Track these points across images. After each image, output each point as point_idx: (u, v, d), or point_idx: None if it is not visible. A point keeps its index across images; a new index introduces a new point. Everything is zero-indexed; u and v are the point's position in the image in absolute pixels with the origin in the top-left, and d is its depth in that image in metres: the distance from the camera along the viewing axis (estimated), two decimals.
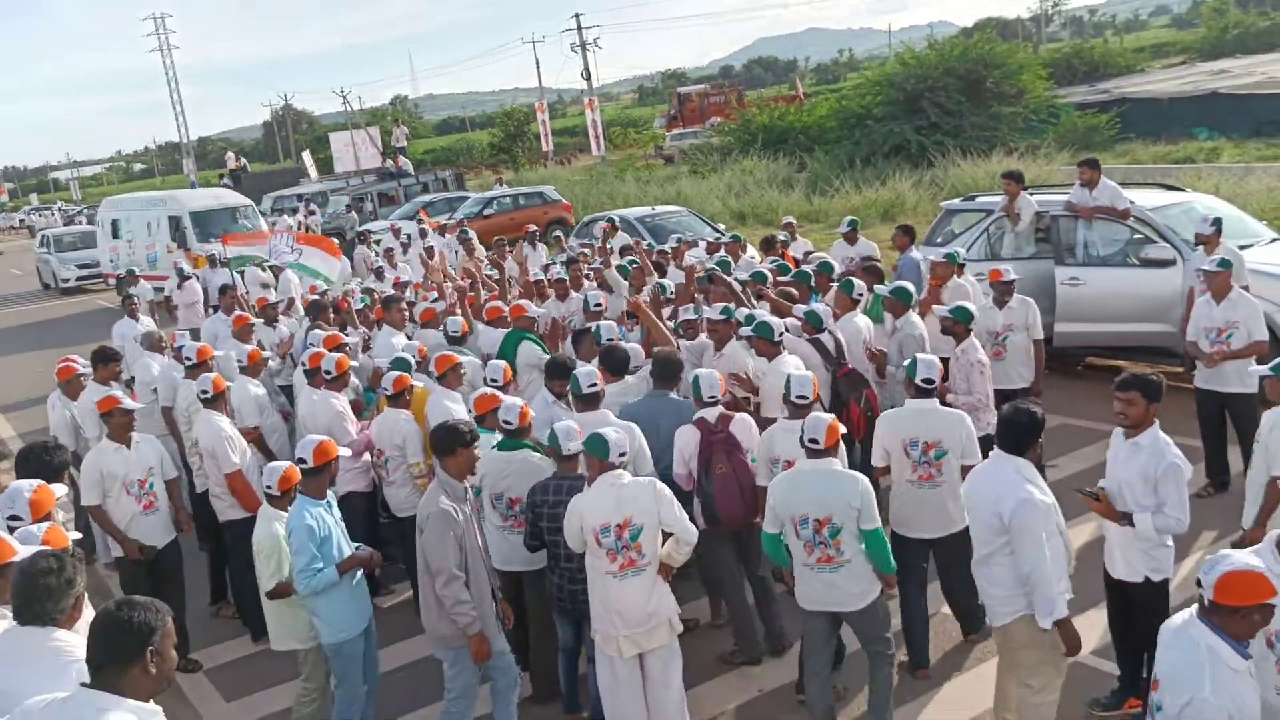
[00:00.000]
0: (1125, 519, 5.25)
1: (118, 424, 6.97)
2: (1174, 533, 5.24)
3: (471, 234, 15.89)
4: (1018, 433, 4.99)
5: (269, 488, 5.82)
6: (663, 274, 10.69)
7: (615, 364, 7.23)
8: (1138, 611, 5.45)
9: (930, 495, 6.06)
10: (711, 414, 6.33)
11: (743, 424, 6.39)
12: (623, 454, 5.40)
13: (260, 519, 5.85)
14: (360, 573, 5.86)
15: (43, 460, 5.68)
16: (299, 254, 14.13)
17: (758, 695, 6.36)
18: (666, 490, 5.42)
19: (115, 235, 25.88)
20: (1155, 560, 5.35)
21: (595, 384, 6.44)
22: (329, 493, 5.84)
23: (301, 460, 5.74)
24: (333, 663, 5.78)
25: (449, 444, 5.46)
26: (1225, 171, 20.69)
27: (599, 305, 8.94)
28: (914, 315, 8.22)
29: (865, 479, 5.41)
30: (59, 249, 31.63)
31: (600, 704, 5.80)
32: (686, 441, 6.33)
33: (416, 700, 6.64)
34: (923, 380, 6.05)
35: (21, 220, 63.47)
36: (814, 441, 5.41)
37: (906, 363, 6.28)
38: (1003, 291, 8.63)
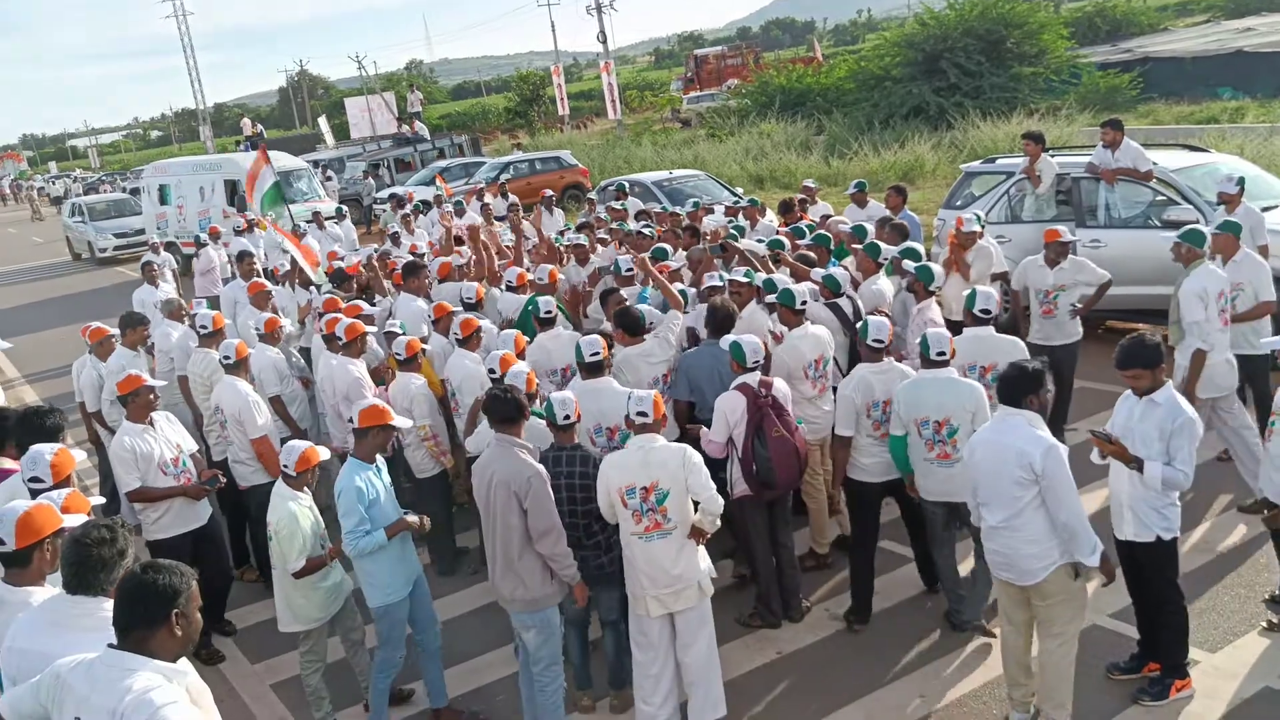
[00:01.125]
0: (1136, 463, 5.27)
1: (142, 404, 6.69)
2: (1180, 489, 5.28)
3: (489, 200, 15.86)
4: (1013, 387, 5.08)
5: (286, 467, 5.77)
6: (695, 237, 10.55)
7: (630, 325, 7.19)
8: (1149, 572, 5.47)
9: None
10: (754, 379, 6.30)
11: (781, 388, 6.37)
12: (568, 416, 5.60)
13: (276, 498, 5.78)
14: (410, 536, 5.87)
15: (33, 423, 5.65)
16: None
17: (776, 657, 6.41)
18: (697, 458, 5.44)
19: (163, 201, 24.84)
20: (1167, 520, 5.35)
21: (597, 352, 6.42)
22: (378, 457, 5.84)
23: (351, 420, 5.92)
24: (378, 625, 5.81)
25: (516, 411, 5.45)
26: (1250, 132, 20.37)
27: (630, 270, 8.82)
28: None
29: (980, 388, 6.06)
30: (94, 217, 29.86)
31: (614, 671, 6.00)
32: (733, 407, 6.23)
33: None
34: (873, 341, 6.40)
35: (40, 189, 62.70)
36: (940, 354, 6.03)
37: (859, 324, 6.68)
38: (1059, 252, 8.55)
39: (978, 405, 5.92)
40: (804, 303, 6.97)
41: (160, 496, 6.70)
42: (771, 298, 7.41)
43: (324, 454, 5.89)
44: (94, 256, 29.29)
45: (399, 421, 5.89)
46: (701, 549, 5.55)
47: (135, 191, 34.02)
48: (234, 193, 22.14)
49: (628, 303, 7.83)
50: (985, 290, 6.81)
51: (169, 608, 3.23)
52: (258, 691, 6.79)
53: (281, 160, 23.89)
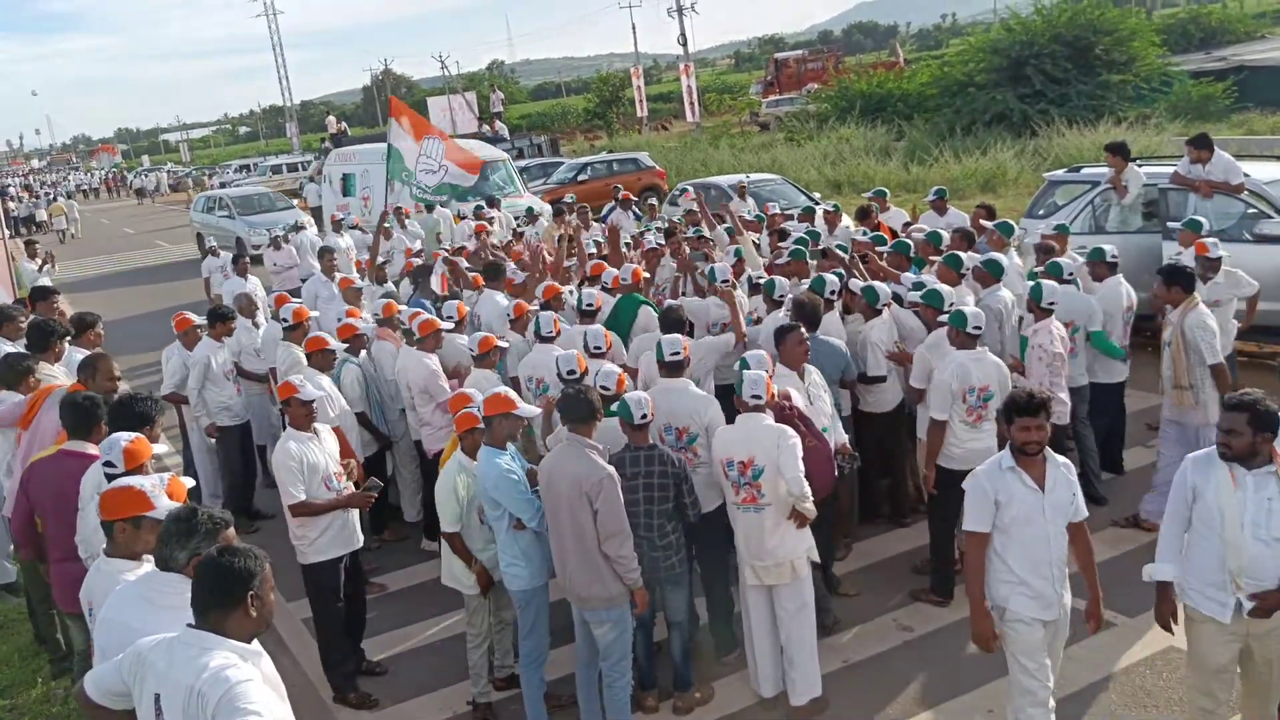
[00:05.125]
0: None
1: (302, 413, 6.31)
2: None
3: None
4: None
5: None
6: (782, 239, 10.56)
7: (669, 325, 7.34)
8: None
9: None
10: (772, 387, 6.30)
11: (799, 400, 6.31)
12: (644, 416, 5.62)
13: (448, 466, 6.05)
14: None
15: (123, 410, 5.80)
16: (445, 171, 13.44)
17: (842, 666, 6.40)
18: (793, 439, 5.59)
19: (346, 192, 22.52)
20: None
21: (678, 352, 6.42)
22: (510, 445, 5.90)
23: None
24: (523, 613, 5.86)
25: (590, 412, 5.49)
26: None
27: (727, 280, 8.59)
28: (1003, 289, 8.02)
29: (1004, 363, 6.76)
30: (244, 211, 26.32)
31: (679, 672, 6.13)
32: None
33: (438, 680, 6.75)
34: (972, 329, 6.61)
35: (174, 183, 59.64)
36: (977, 328, 6.59)
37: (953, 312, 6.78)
38: (1207, 267, 8.14)
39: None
40: (978, 326, 6.67)
41: (325, 509, 6.26)
42: (915, 296, 7.63)
43: None
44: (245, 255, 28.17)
45: (525, 410, 5.91)
46: (805, 532, 5.70)
47: (222, 185, 34.33)
48: None
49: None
50: (975, 310, 6.76)
51: (245, 589, 3.32)
52: None
53: (480, 152, 21.07)
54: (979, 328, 6.61)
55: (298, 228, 16.21)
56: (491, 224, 15.22)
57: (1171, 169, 11.02)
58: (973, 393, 6.54)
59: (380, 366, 8.58)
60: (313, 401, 6.35)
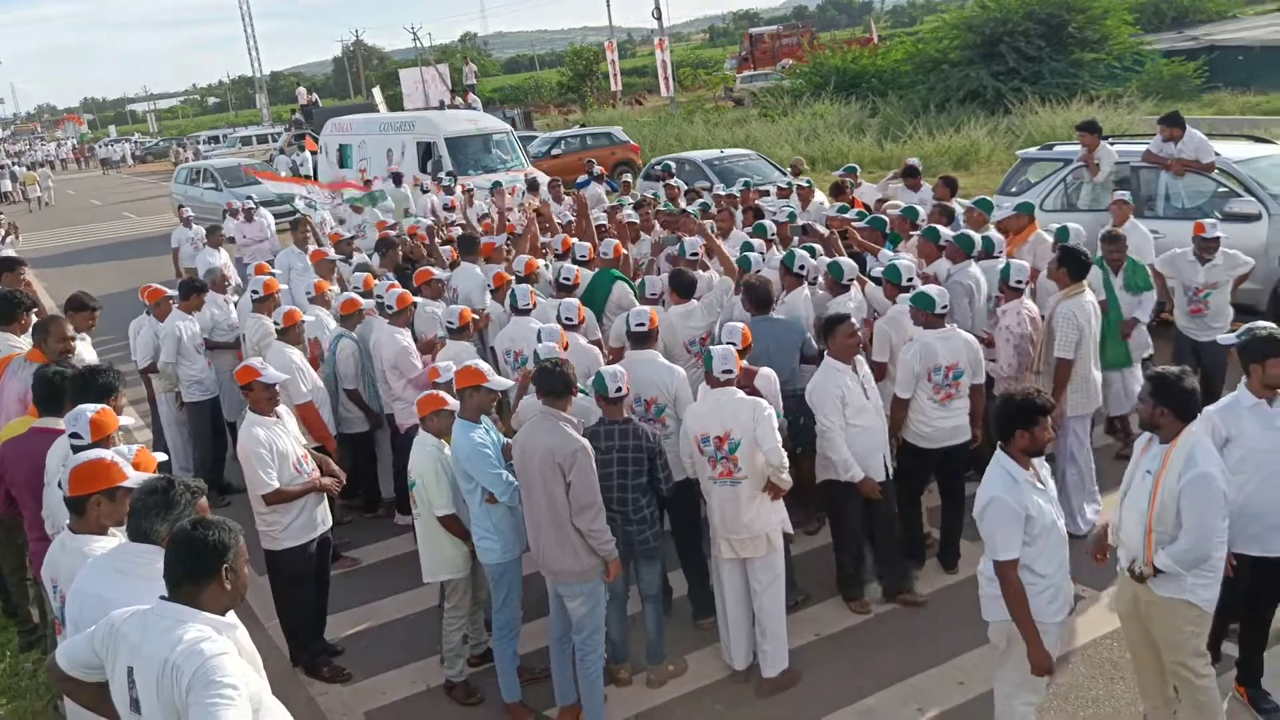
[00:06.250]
0: None
1: (260, 398, 6.14)
2: None
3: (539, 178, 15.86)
4: (1002, 420, 4.76)
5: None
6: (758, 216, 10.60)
7: (683, 287, 7.58)
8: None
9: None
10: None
11: (765, 378, 6.37)
12: (619, 389, 5.65)
13: (416, 444, 5.94)
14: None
15: (86, 382, 5.68)
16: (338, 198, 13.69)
17: (815, 639, 6.44)
18: (769, 410, 5.66)
19: (343, 164, 21.83)
20: None
21: (644, 323, 6.44)
22: (484, 417, 5.87)
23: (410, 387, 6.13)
24: (496, 586, 5.85)
25: (565, 386, 5.47)
26: None
27: (695, 254, 8.67)
28: (973, 266, 8.03)
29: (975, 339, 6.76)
30: (232, 183, 24.91)
31: (652, 645, 6.16)
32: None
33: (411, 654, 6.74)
34: (940, 309, 6.60)
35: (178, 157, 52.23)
36: (945, 307, 6.58)
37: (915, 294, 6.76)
38: (1205, 247, 8.07)
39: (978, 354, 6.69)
40: (944, 306, 6.66)
41: (300, 494, 6.13)
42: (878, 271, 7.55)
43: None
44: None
45: (496, 383, 5.84)
46: (779, 504, 5.78)
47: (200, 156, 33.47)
48: (428, 156, 20.22)
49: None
50: (940, 289, 6.75)
51: (219, 562, 3.30)
52: None
53: (482, 123, 21.88)
54: (945, 307, 6.62)
55: (310, 205, 15.51)
56: (471, 196, 15.11)
57: (1143, 147, 11.08)
58: (939, 371, 6.55)
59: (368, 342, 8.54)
60: (275, 385, 6.22)
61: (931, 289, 6.71)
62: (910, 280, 7.21)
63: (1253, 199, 10.09)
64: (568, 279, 8.23)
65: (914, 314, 6.73)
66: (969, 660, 5.95)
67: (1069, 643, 6.01)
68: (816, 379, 6.36)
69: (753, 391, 6.09)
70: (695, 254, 8.64)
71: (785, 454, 5.68)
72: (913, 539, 7.06)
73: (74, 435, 4.92)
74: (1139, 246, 8.58)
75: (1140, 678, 5.17)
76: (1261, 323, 5.34)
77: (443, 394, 5.95)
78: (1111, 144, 11.43)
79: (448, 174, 17.24)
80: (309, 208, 15.00)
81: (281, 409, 6.36)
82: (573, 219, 12.08)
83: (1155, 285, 8.35)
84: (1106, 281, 7.97)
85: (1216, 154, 10.49)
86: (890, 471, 6.53)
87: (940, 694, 5.77)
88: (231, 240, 15.20)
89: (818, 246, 8.57)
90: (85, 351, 7.58)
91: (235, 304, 9.97)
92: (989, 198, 9.97)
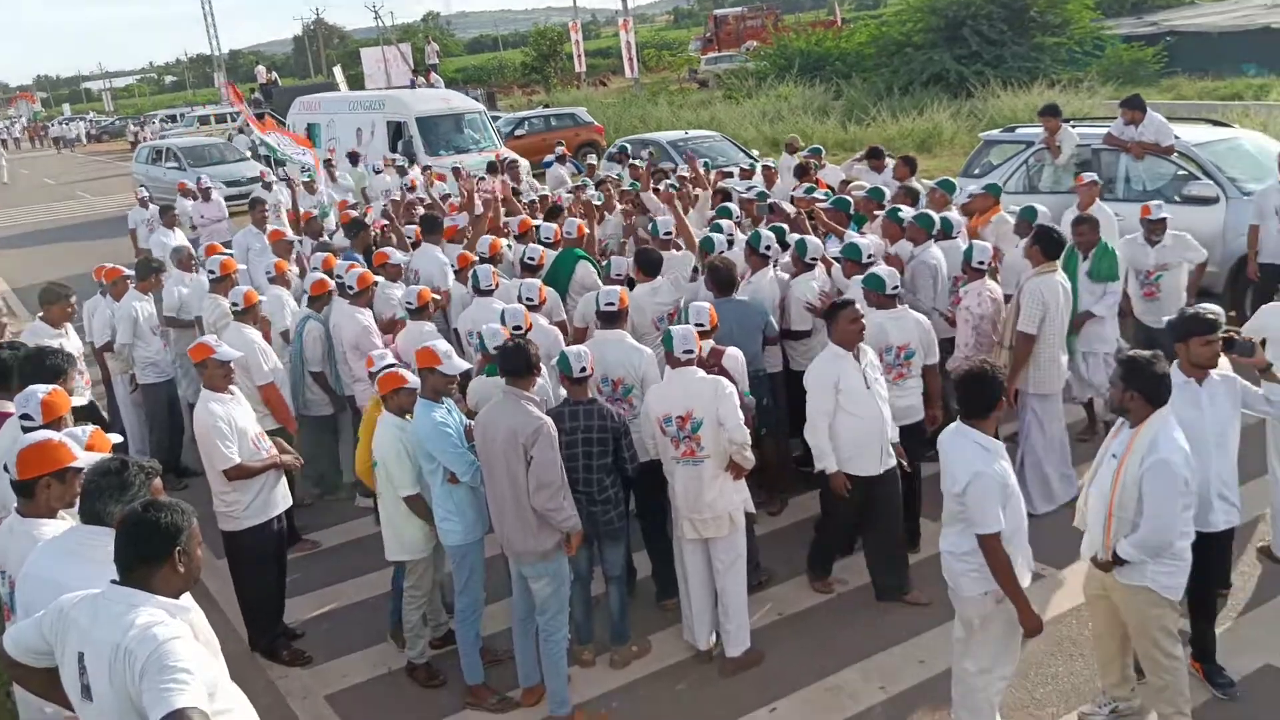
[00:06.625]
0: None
1: (214, 375, 6.08)
2: None
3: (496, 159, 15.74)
4: (971, 398, 4.77)
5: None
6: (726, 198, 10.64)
7: (649, 265, 7.59)
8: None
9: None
10: (703, 346, 6.30)
11: (732, 358, 6.37)
12: (583, 369, 5.62)
13: (379, 424, 5.86)
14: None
15: (35, 363, 5.58)
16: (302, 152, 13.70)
17: (778, 619, 6.46)
18: (730, 389, 5.66)
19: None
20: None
21: (613, 303, 6.41)
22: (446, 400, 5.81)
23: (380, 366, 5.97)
24: (458, 568, 5.79)
25: (528, 365, 5.42)
26: (1274, 109, 20.14)
27: (669, 233, 8.68)
28: (934, 246, 8.05)
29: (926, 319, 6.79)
30: (196, 163, 24.51)
31: (616, 626, 6.15)
32: None
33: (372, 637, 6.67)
34: (890, 290, 6.67)
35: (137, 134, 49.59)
36: (895, 288, 6.65)
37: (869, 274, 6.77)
38: (1152, 229, 8.19)
39: (930, 335, 6.73)
40: (896, 287, 6.69)
41: (261, 470, 6.09)
42: (835, 251, 7.60)
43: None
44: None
45: (449, 366, 5.71)
46: (741, 484, 5.77)
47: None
48: (398, 136, 20.04)
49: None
50: (890, 270, 6.78)
51: (171, 545, 3.23)
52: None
53: (453, 102, 21.73)
54: (897, 288, 6.62)
55: (266, 185, 15.26)
56: (432, 176, 14.97)
57: (1104, 131, 11.16)
58: (891, 351, 6.56)
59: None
60: (229, 362, 6.15)
61: (882, 270, 6.70)
62: (870, 258, 7.22)
63: (1211, 182, 10.19)
64: (532, 259, 8.18)
65: (865, 294, 6.72)
66: (930, 639, 5.99)
67: None
68: (816, 363, 6.23)
69: (721, 371, 6.08)
70: (669, 234, 8.64)
71: (748, 432, 5.67)
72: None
73: (24, 416, 4.82)
74: (1105, 228, 8.64)
75: (1100, 655, 5.22)
76: (1207, 305, 5.42)
77: (403, 372, 5.88)
78: (1073, 127, 11.52)
79: (403, 155, 17.07)
80: (265, 189, 14.80)
81: (236, 389, 6.28)
82: (535, 199, 12.05)
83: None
84: (1072, 266, 7.82)
85: (1176, 137, 10.60)
86: (891, 463, 6.28)
87: (902, 672, 5.80)
88: (194, 227, 14.99)
89: (785, 226, 8.58)
90: (69, 345, 7.49)
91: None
92: (951, 179, 10.01)
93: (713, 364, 6.20)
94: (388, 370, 5.91)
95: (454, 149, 19.48)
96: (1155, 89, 25.55)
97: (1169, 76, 27.86)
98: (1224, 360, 5.35)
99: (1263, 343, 6.40)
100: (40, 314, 8.08)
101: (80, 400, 5.36)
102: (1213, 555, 5.17)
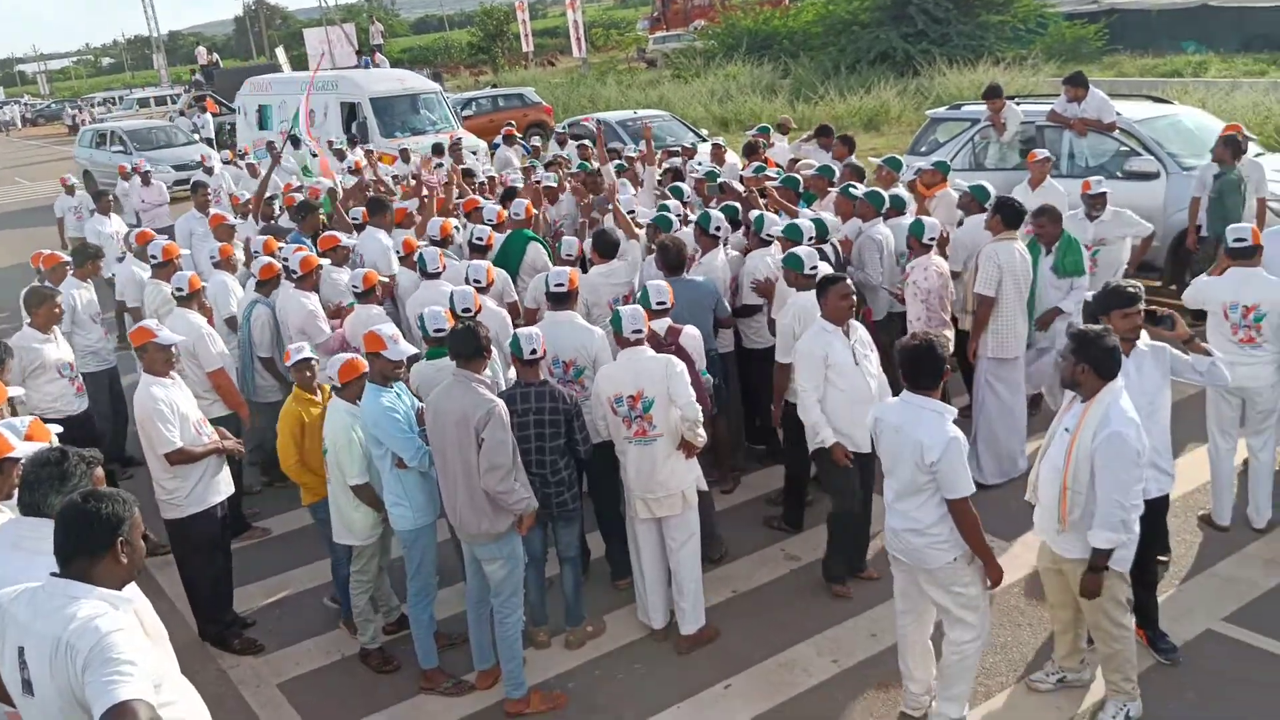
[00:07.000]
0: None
1: (156, 359, 5.98)
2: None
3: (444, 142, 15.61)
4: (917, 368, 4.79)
5: (330, 379, 5.76)
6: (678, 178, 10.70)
7: (606, 247, 7.55)
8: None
9: None
10: (660, 325, 6.32)
11: (690, 337, 6.39)
12: (534, 351, 5.60)
13: (329, 410, 5.78)
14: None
15: None
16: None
17: (732, 595, 6.49)
18: (680, 366, 5.66)
19: (263, 125, 21.17)
20: None
21: (563, 284, 6.38)
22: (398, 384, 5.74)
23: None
24: (409, 552, 5.73)
25: (477, 348, 5.36)
26: (1212, 86, 20.47)
27: (631, 211, 8.73)
28: (881, 223, 8.10)
29: None
30: (143, 146, 23.94)
31: (571, 607, 6.16)
32: None
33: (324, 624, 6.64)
34: (809, 270, 6.53)
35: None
36: (814, 268, 6.51)
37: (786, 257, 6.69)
38: (1092, 204, 8.34)
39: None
40: (814, 267, 6.61)
41: (204, 455, 6.01)
42: (777, 230, 7.50)
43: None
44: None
45: (395, 351, 5.62)
46: (693, 461, 5.78)
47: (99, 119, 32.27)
48: (352, 118, 19.71)
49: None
50: (809, 250, 6.72)
51: (113, 536, 3.16)
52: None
53: (409, 82, 21.39)
54: (815, 268, 6.54)
55: (209, 169, 14.98)
56: (374, 158, 14.78)
57: (1047, 108, 11.29)
58: None
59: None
60: (172, 346, 6.05)
61: (800, 250, 6.66)
62: (812, 239, 7.22)
63: (1152, 158, 10.37)
64: (480, 239, 8.12)
65: (786, 275, 6.71)
66: (881, 612, 6.05)
67: None
68: (804, 338, 6.08)
69: (679, 349, 6.10)
70: (631, 211, 8.70)
71: (700, 409, 5.68)
72: (795, 497, 7.16)
73: None
74: (1056, 205, 8.73)
75: (1055, 626, 5.33)
76: (1129, 279, 5.55)
77: (361, 359, 5.80)
78: (1017, 104, 11.63)
79: (346, 138, 16.85)
80: (206, 173, 14.53)
81: (177, 375, 6.19)
82: (485, 181, 11.99)
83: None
84: (1034, 260, 7.57)
85: (1118, 114, 10.74)
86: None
87: (854, 646, 5.87)
88: (135, 213, 14.71)
89: (738, 205, 8.59)
90: (59, 352, 7.28)
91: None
92: (898, 156, 10.07)
93: (670, 342, 6.22)
94: (348, 359, 5.82)
95: (410, 130, 19.21)
96: (1097, 66, 25.86)
97: (1111, 54, 28.21)
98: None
99: (1201, 315, 6.55)
100: (27, 320, 7.54)
101: (15, 390, 5.22)
102: (1149, 523, 5.28)
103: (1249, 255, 6.26)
